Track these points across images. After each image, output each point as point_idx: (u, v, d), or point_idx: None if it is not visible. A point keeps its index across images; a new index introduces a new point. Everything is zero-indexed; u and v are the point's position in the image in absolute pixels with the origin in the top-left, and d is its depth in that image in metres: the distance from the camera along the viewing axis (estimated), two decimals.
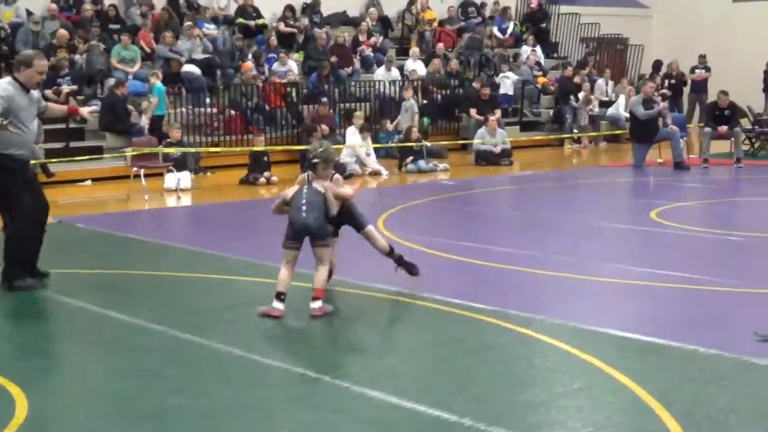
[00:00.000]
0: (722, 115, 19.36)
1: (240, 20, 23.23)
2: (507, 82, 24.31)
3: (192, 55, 20.97)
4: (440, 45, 25.07)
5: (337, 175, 8.61)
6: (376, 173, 18.39)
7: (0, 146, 8.74)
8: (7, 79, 9.00)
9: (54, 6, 20.93)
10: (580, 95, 24.35)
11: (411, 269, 8.75)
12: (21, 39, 19.81)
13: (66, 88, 18.85)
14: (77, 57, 19.94)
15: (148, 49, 21.07)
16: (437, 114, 22.87)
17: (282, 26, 23.54)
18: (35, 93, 9.18)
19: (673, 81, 26.47)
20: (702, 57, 26.95)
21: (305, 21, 24.11)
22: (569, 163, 21.54)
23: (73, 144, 18.27)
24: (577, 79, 24.94)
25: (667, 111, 20.30)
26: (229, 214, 14.41)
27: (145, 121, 18.78)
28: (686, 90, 26.95)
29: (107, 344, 7.59)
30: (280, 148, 19.08)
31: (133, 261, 10.78)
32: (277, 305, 7.94)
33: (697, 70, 26.73)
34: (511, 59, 25.60)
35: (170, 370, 6.69)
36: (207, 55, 21.01)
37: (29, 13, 20.69)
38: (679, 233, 11.85)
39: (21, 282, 8.91)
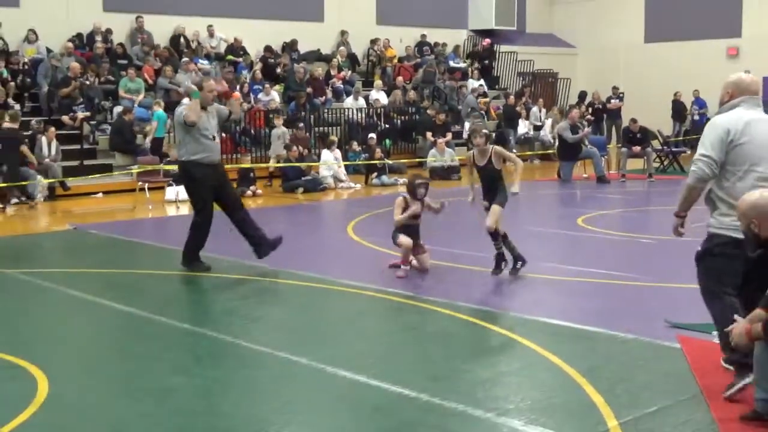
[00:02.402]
0: (635, 138, 19.82)
1: (229, 57, 23.16)
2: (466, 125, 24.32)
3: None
4: (400, 78, 25.15)
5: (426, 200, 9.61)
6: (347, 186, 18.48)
7: (188, 153, 9.49)
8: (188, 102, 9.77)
9: (70, 44, 20.74)
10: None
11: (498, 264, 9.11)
12: (41, 73, 19.68)
13: (80, 115, 18.71)
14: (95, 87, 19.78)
15: (150, 81, 20.95)
16: (397, 136, 22.94)
17: (265, 62, 23.51)
18: (216, 105, 9.83)
19: (597, 107, 26.63)
20: (615, 89, 27.18)
21: (286, 58, 24.09)
22: (509, 179, 21.55)
23: (86, 162, 18.14)
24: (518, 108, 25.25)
25: (588, 134, 20.53)
26: (221, 221, 14.29)
27: (148, 143, 18.67)
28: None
29: (116, 332, 7.55)
30: (264, 165, 19.00)
31: (138, 262, 10.72)
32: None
33: (612, 100, 26.95)
34: (458, 89, 25.71)
35: (170, 355, 6.66)
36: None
37: (49, 51, 20.53)
38: (601, 237, 11.93)
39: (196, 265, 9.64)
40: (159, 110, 19.04)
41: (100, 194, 17.22)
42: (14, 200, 16.20)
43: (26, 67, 19.96)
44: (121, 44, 21.87)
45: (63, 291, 8.82)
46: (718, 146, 5.46)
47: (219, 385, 5.89)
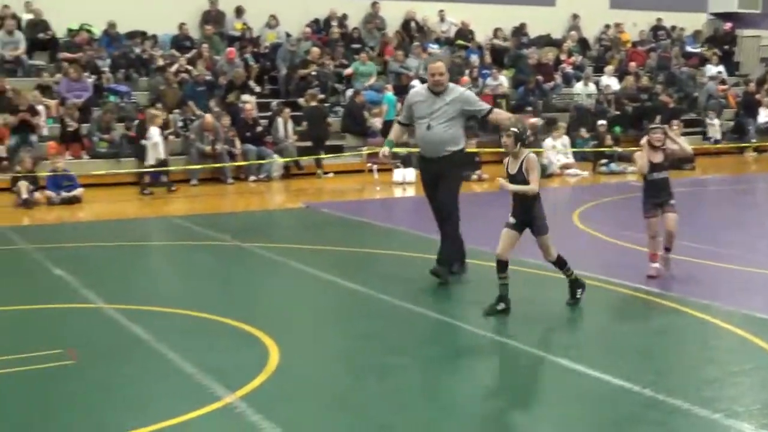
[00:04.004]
0: None
1: (459, 41, 23.28)
2: (715, 126, 23.23)
3: (419, 71, 21.19)
4: (632, 63, 24.37)
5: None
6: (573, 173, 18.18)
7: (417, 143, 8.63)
8: (422, 84, 8.65)
9: (308, 29, 21.60)
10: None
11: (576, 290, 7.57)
12: (280, 56, 20.59)
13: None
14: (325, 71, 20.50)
15: (382, 65, 21.41)
16: (628, 123, 22.27)
17: (494, 45, 23.48)
18: (459, 91, 8.44)
19: None
20: None
21: (515, 42, 23.99)
22: (746, 169, 20.49)
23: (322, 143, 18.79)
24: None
25: None
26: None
27: (378, 125, 19.11)
28: None
29: (341, 308, 7.79)
30: (489, 150, 18.99)
31: (365, 241, 10.99)
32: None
33: None
34: (697, 77, 24.67)
35: (391, 333, 6.79)
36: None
37: (288, 35, 21.42)
38: None
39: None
40: (389, 93, 19.45)
41: (331, 174, 17.80)
42: (252, 177, 17.08)
43: (267, 51, 20.96)
44: (356, 29, 22.51)
45: (294, 266, 9.20)
46: None
47: (437, 366, 5.96)
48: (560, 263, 7.47)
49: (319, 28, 22.33)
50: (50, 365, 5.93)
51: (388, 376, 5.79)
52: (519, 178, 7.20)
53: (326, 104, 19.67)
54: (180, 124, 17.74)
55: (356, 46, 21.86)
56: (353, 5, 22.75)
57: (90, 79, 18.03)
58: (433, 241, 9.95)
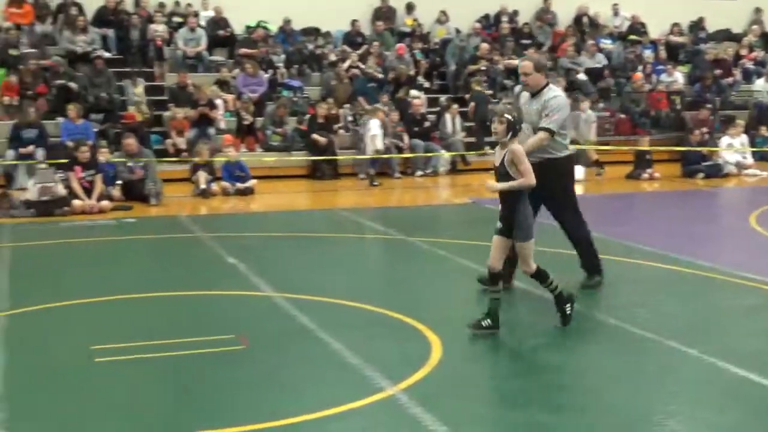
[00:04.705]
0: None
1: (631, 36, 22.68)
2: None
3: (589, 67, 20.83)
4: None
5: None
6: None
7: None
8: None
9: (478, 25, 21.56)
10: None
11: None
12: (450, 52, 20.67)
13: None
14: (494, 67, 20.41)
15: (551, 61, 21.12)
16: None
17: (669, 41, 22.75)
18: (543, 97, 7.58)
19: None
20: None
21: (692, 37, 23.17)
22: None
23: (486, 138, 18.72)
24: None
25: None
26: (616, 203, 14.17)
27: None
28: None
29: (502, 305, 7.72)
30: (663, 148, 18.43)
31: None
32: None
33: None
34: None
35: (554, 331, 6.68)
36: (598, 65, 20.70)
37: (457, 31, 21.46)
38: None
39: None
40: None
41: None
42: (419, 172, 17.21)
43: (437, 47, 21.07)
44: (526, 24, 22.30)
45: (459, 261, 9.23)
46: None
47: (599, 367, 5.86)
48: (541, 277, 6.69)
49: (489, 23, 22.26)
50: (223, 349, 6.19)
51: (549, 374, 5.73)
52: (501, 171, 6.56)
53: (494, 100, 19.59)
54: (350, 118, 18.07)
55: (526, 41, 21.66)
56: (525, 0, 22.55)
57: (265, 75, 18.64)
58: (599, 241, 9.78)
